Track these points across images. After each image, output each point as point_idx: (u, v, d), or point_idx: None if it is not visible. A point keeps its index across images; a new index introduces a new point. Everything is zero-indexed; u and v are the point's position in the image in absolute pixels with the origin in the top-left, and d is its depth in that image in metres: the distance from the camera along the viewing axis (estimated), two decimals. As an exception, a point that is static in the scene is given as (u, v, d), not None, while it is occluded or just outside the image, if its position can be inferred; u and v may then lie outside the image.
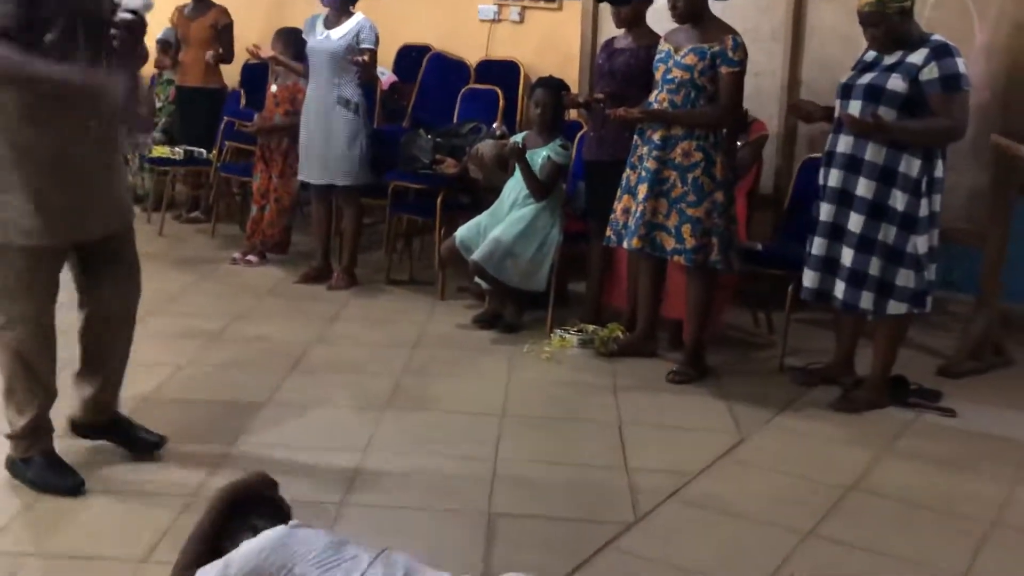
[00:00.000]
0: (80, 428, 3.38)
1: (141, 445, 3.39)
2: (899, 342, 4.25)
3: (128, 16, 3.02)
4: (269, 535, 2.30)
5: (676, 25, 4.39)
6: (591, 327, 4.93)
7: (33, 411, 3.12)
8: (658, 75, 4.39)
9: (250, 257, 6.16)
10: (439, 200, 5.60)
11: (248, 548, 2.27)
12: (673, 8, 4.31)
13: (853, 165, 3.97)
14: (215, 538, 2.36)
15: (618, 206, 4.51)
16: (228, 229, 6.93)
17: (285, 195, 6.12)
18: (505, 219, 5.02)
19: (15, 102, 2.89)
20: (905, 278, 4.00)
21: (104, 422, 3.38)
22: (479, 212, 5.28)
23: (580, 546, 2.93)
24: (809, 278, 4.15)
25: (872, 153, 3.93)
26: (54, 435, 3.23)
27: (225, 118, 6.85)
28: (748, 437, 3.84)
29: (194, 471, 3.30)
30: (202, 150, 6.83)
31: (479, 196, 5.68)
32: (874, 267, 3.98)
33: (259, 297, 5.50)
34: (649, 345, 4.73)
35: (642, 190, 4.35)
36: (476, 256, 4.92)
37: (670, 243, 4.33)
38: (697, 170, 4.28)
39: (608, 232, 4.58)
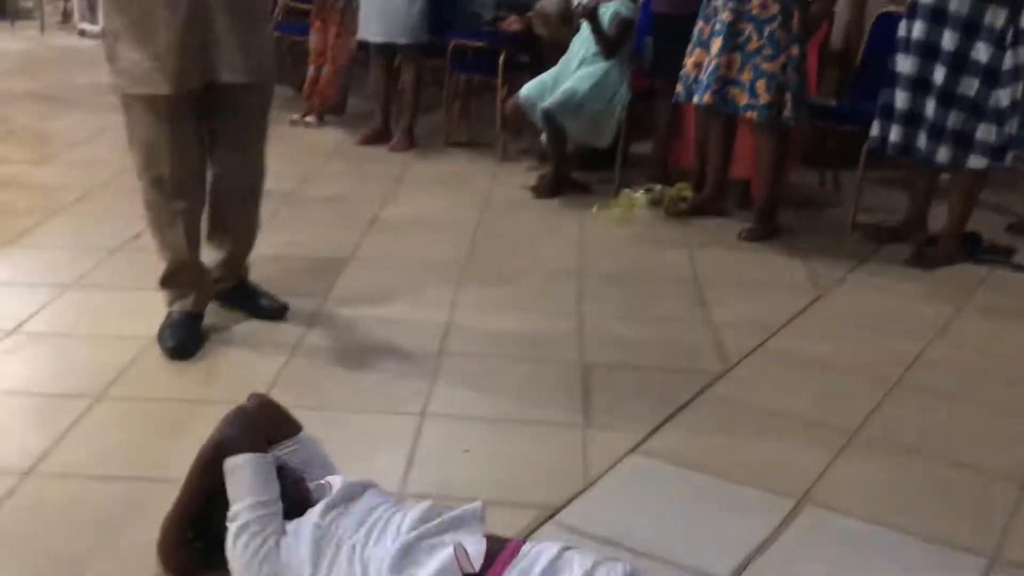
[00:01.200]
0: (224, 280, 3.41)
1: (264, 312, 3.41)
2: (975, 198, 4.27)
3: None
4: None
5: None
6: (658, 187, 4.96)
7: (164, 264, 3.19)
8: None
9: (308, 119, 6.19)
10: (501, 59, 5.57)
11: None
12: None
13: (937, 17, 3.93)
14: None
15: (689, 60, 4.47)
16: (280, 90, 6.91)
17: (342, 55, 6.11)
18: (573, 76, 5.00)
19: None
20: (985, 132, 3.99)
21: (229, 288, 3.41)
22: (541, 71, 5.25)
23: (674, 394, 3.03)
24: (893, 132, 4.14)
25: (957, 4, 3.89)
26: (198, 300, 3.24)
27: (279, -26, 6.77)
28: (826, 293, 3.90)
29: (293, 325, 3.40)
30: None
31: (541, 54, 5.63)
32: (955, 120, 3.98)
33: (323, 158, 5.56)
34: (718, 204, 4.76)
35: (716, 44, 4.31)
36: (548, 104, 4.90)
37: (743, 99, 4.31)
38: (774, 23, 4.22)
39: (678, 88, 4.56)
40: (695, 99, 4.46)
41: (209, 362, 3.13)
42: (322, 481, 2.12)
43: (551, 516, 2.42)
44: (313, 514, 1.97)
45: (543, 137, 5.12)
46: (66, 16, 9.70)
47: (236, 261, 3.39)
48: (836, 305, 3.81)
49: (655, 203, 4.85)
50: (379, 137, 5.84)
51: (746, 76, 4.29)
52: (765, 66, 4.25)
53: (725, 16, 4.29)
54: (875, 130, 4.22)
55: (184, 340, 3.15)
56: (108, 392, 2.89)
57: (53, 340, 3.22)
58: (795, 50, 4.28)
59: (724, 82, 4.33)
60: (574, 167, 5.25)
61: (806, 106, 4.42)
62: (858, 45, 5.29)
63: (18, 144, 5.62)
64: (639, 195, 4.89)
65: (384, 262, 4.04)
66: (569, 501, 2.48)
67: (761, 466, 2.66)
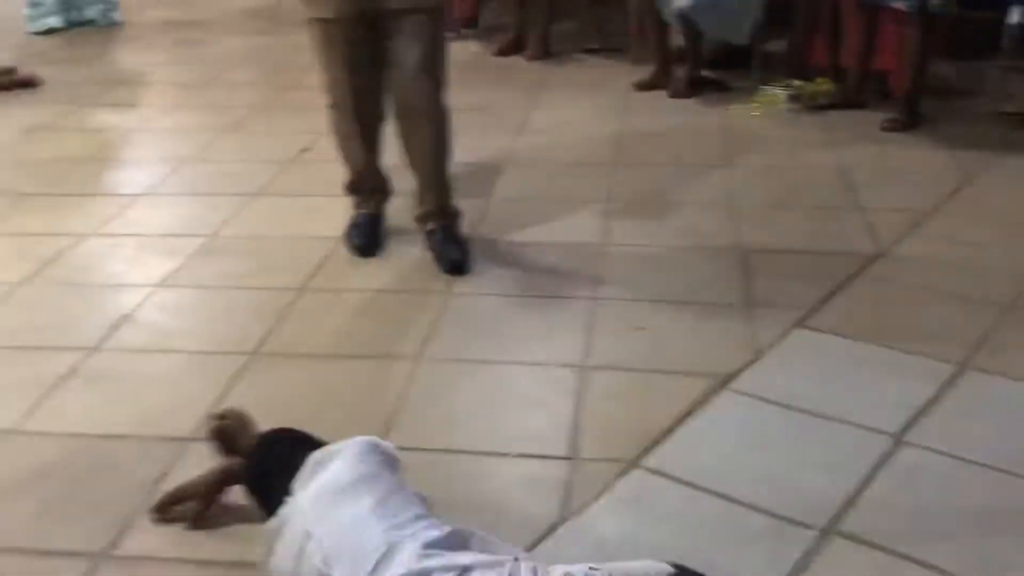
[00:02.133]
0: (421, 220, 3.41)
1: (444, 264, 3.28)
2: None
3: None
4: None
5: None
6: (797, 82, 5.02)
7: (348, 171, 3.42)
8: None
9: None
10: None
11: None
12: None
13: None
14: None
15: None
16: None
17: (475, -31, 6.27)
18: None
19: None
20: None
21: (430, 230, 3.36)
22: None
23: (832, 274, 3.17)
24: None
25: None
26: (380, 203, 3.47)
27: None
28: (973, 180, 3.95)
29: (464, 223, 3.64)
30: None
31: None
32: None
33: (464, 70, 5.66)
34: (859, 97, 4.81)
35: None
36: (682, 5, 4.99)
37: None
38: None
39: None
40: None
41: (392, 259, 3.40)
42: None
43: (725, 384, 2.62)
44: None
45: (676, 38, 5.20)
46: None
47: (429, 200, 3.36)
48: (984, 191, 3.86)
49: (794, 99, 4.92)
50: (515, 47, 5.99)
51: None
52: None
53: None
54: (1015, 16, 4.20)
55: (369, 239, 3.41)
56: (309, 284, 3.19)
57: (249, 242, 3.52)
58: None
59: None
60: (710, 65, 5.34)
61: None
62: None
63: (181, 67, 5.96)
64: (778, 91, 4.97)
65: (538, 165, 4.23)
66: (740, 370, 2.67)
67: (921, 335, 2.81)
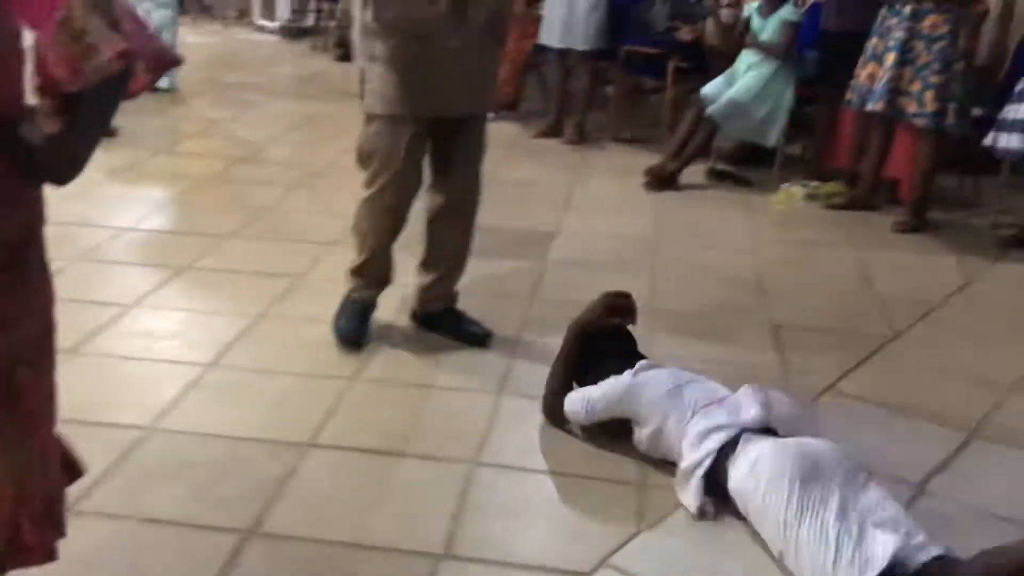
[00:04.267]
0: (417, 317, 3.55)
1: (470, 338, 3.47)
2: None
3: None
4: (619, 382, 2.79)
5: None
6: (814, 183, 5.49)
7: (364, 255, 3.38)
8: None
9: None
10: (671, 64, 6.16)
11: (603, 390, 2.78)
12: None
13: None
14: (575, 367, 2.93)
15: (862, 72, 4.98)
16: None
17: (519, 56, 6.76)
18: (741, 80, 5.56)
19: None
20: None
21: (438, 311, 3.53)
22: (706, 76, 5.84)
23: (854, 350, 3.58)
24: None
25: None
26: (379, 292, 3.48)
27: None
28: (976, 278, 4.40)
29: (523, 277, 4.04)
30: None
31: (705, 61, 6.20)
32: None
33: (506, 148, 6.18)
34: (872, 200, 5.27)
35: (890, 58, 4.82)
36: (711, 111, 5.49)
37: (911, 107, 4.81)
38: (943, 42, 4.73)
39: (850, 95, 5.05)
40: (868, 106, 4.94)
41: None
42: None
43: (766, 434, 3.00)
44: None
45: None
46: (242, 13, 10.55)
47: (447, 285, 3.52)
48: (985, 290, 4.30)
49: (811, 197, 5.39)
50: (553, 131, 6.47)
51: (916, 87, 4.79)
52: (933, 79, 4.74)
53: (899, 34, 4.79)
54: (1004, 142, 4.65)
55: (360, 330, 3.43)
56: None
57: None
58: (960, 66, 4.77)
59: (896, 92, 4.83)
60: (734, 162, 5.82)
61: (968, 116, 4.91)
62: (1002, 62, 5.72)
63: (243, 124, 6.38)
64: (797, 189, 5.44)
65: (586, 236, 4.66)
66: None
67: (934, 406, 3.20)
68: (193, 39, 9.16)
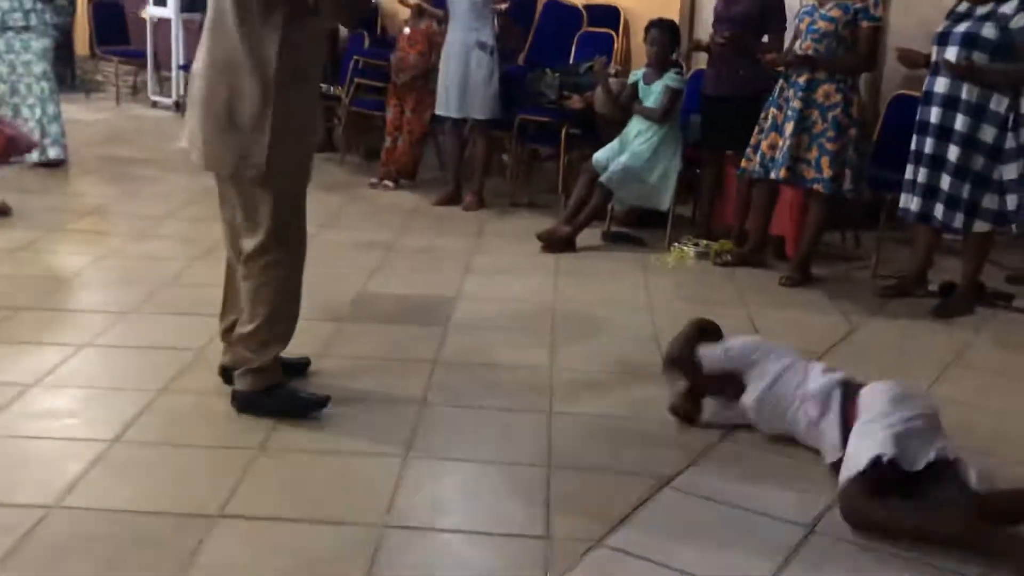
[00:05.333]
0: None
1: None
2: (985, 256, 4.96)
3: None
4: (754, 337, 3.74)
5: None
6: (704, 241, 5.72)
7: (289, 328, 3.42)
8: (803, 26, 5.09)
9: (386, 182, 6.97)
10: (564, 131, 6.37)
11: (743, 340, 3.57)
12: None
13: (950, 103, 4.66)
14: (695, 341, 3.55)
15: (764, 143, 5.21)
16: (350, 158, 7.74)
17: (418, 128, 6.91)
18: (630, 146, 5.79)
19: None
20: (990, 201, 4.68)
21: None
22: (597, 143, 6.06)
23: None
24: (913, 203, 4.83)
25: (966, 92, 4.61)
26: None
27: (354, 57, 7.56)
28: (857, 327, 4.64)
29: (426, 342, 4.13)
30: (328, 86, 7.55)
31: (596, 128, 6.43)
32: (965, 192, 4.67)
33: (405, 216, 6.32)
34: (759, 257, 5.51)
35: (788, 128, 5.08)
36: (603, 178, 5.69)
37: (810, 173, 5.06)
38: (837, 110, 5.01)
39: (747, 164, 5.29)
40: (772, 175, 5.17)
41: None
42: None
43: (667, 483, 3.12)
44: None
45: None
46: (136, 89, 10.53)
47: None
48: (868, 337, 4.53)
49: (702, 255, 5.61)
50: (451, 199, 6.60)
51: (813, 154, 5.05)
52: (829, 146, 5.01)
53: (796, 104, 5.06)
54: (902, 202, 4.91)
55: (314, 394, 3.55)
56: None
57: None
58: (854, 132, 5.06)
59: (795, 160, 5.08)
60: (627, 224, 6.03)
61: (864, 179, 5.20)
62: (875, 122, 6.07)
63: (139, 201, 6.37)
64: (688, 248, 5.66)
65: (486, 300, 4.77)
66: (679, 473, 3.19)
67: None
68: (84, 115, 9.12)
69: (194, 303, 4.44)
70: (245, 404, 3.41)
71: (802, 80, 5.06)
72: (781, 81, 5.19)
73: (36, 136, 6.72)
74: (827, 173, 5.02)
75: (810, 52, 5.02)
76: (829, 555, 2.78)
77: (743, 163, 5.33)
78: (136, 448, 3.18)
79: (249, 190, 3.27)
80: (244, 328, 3.39)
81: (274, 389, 3.43)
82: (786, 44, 5.34)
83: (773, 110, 5.22)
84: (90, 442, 3.17)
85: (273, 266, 3.32)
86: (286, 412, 3.41)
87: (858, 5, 4.97)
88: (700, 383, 3.52)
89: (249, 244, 3.31)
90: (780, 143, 5.14)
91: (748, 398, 3.41)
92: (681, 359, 3.53)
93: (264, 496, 2.93)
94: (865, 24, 4.98)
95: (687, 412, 3.54)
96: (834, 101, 5.03)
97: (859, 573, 2.71)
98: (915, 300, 5.02)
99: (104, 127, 8.77)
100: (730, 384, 3.47)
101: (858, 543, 2.83)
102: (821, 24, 5.02)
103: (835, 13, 4.99)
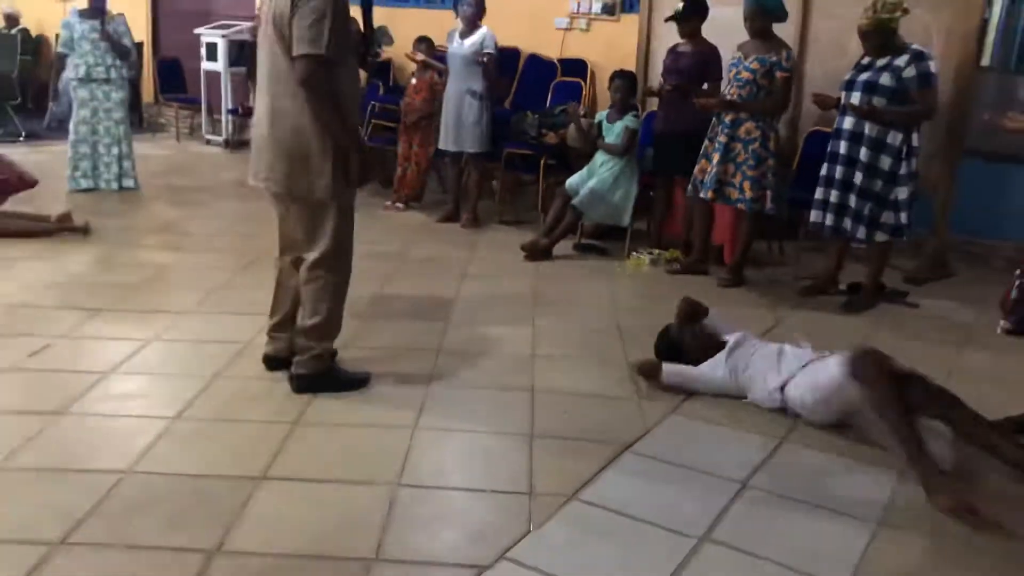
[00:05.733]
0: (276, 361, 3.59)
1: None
2: (885, 261, 5.00)
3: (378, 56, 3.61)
4: (740, 333, 3.73)
5: (747, 38, 5.10)
6: (656, 251, 5.74)
7: (335, 333, 3.48)
8: (730, 75, 5.12)
9: (397, 204, 6.95)
10: (542, 162, 6.39)
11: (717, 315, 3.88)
12: (748, 25, 5.04)
13: (855, 138, 4.70)
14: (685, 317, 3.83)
15: (697, 168, 5.25)
16: (369, 185, 7.69)
17: (423, 159, 6.90)
18: (597, 173, 5.80)
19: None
20: (887, 217, 4.73)
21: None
22: (569, 171, 6.07)
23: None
24: (827, 218, 4.87)
25: (868, 129, 4.66)
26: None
27: (371, 102, 7.57)
28: (782, 320, 4.66)
29: (431, 335, 4.13)
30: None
31: (568, 159, 6.45)
32: (868, 209, 4.73)
33: (414, 231, 6.31)
34: (702, 265, 5.51)
35: (716, 157, 5.11)
36: (575, 201, 5.71)
37: (735, 195, 5.09)
38: (756, 143, 5.04)
39: (689, 187, 5.32)
40: (701, 194, 5.21)
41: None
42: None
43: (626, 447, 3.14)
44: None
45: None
46: (192, 129, 10.49)
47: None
48: (789, 326, 4.54)
49: (655, 263, 5.63)
50: (451, 218, 6.59)
51: (737, 179, 5.08)
52: (750, 172, 5.05)
53: (722, 139, 5.10)
54: (815, 217, 4.94)
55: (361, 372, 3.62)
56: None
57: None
58: (771, 161, 5.09)
59: (721, 183, 5.12)
60: (595, 237, 6.05)
61: (782, 199, 5.24)
62: (794, 153, 6.10)
63: (198, 220, 6.35)
64: (644, 256, 5.68)
65: (480, 299, 4.77)
66: (636, 440, 3.20)
67: (753, 418, 3.40)
68: (151, 151, 9.07)
69: (241, 304, 4.46)
70: (307, 384, 3.43)
71: (728, 119, 5.08)
72: (713, 119, 5.22)
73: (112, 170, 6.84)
74: (749, 194, 5.05)
75: (735, 97, 5.05)
76: (760, 503, 2.81)
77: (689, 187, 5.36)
78: (194, 423, 3.18)
79: (316, 210, 3.30)
80: (307, 322, 3.41)
81: (330, 371, 3.48)
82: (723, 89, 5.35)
83: (707, 142, 5.25)
84: (156, 419, 3.18)
85: (334, 271, 3.38)
86: (340, 388, 3.44)
87: (773, 59, 5.00)
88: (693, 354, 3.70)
89: (314, 254, 3.34)
90: (709, 169, 5.17)
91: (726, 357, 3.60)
92: (665, 337, 3.84)
93: (300, 461, 2.94)
94: (779, 74, 5.01)
95: (649, 370, 3.67)
96: (754, 136, 5.05)
97: (784, 519, 2.74)
98: (828, 298, 5.05)
99: (166, 161, 8.73)
100: (709, 353, 3.64)
101: (784, 496, 2.86)
102: (744, 74, 5.05)
103: (755, 65, 5.02)
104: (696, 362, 3.64)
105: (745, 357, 3.58)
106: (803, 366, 3.43)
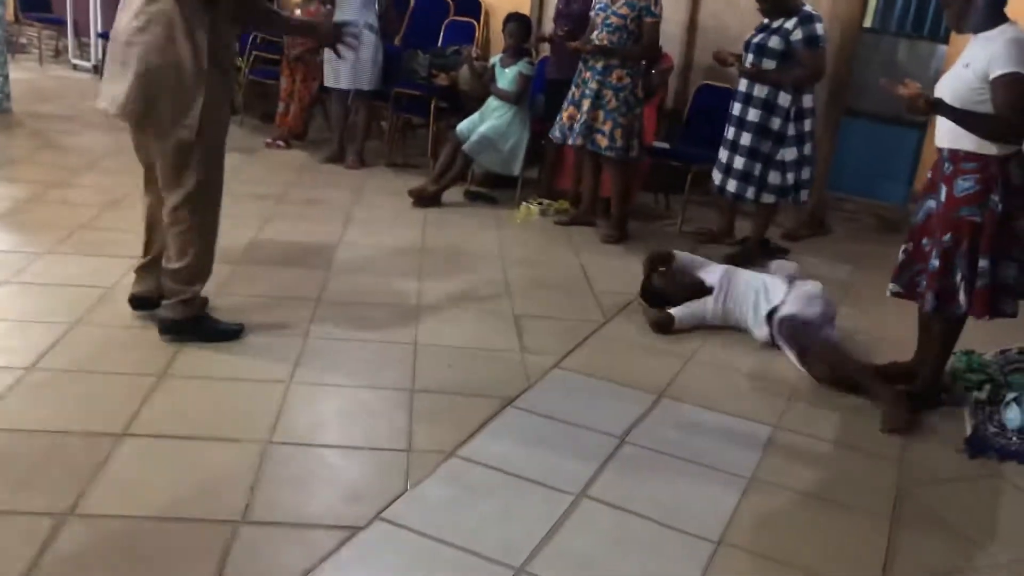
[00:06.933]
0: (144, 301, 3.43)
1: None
2: (770, 219, 5.11)
3: None
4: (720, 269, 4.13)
5: None
6: (546, 201, 5.71)
7: (207, 268, 3.31)
8: (599, 20, 5.02)
9: (279, 142, 6.68)
10: (433, 104, 6.23)
11: (687, 256, 4.21)
12: None
13: (747, 99, 4.75)
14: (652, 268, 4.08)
15: (564, 114, 5.19)
16: (249, 121, 7.38)
17: (306, 96, 6.65)
18: (489, 119, 5.70)
19: None
20: (775, 178, 4.81)
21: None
22: (460, 114, 5.94)
23: (575, 334, 3.77)
24: (717, 178, 4.95)
25: (758, 90, 4.71)
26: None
27: (252, 34, 7.18)
28: (666, 274, 4.72)
29: (311, 283, 4.00)
30: (231, 57, 7.16)
31: (460, 102, 6.30)
32: (756, 170, 4.80)
33: (295, 172, 6.08)
34: (590, 216, 5.50)
35: (585, 103, 5.05)
36: (466, 147, 5.60)
37: (604, 142, 5.06)
38: (626, 91, 5.01)
39: (553, 132, 5.27)
40: (569, 142, 5.18)
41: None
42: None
43: (509, 403, 3.12)
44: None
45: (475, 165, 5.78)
46: (58, 52, 9.79)
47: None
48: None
49: (544, 213, 5.60)
50: (336, 158, 6.38)
51: (607, 126, 5.05)
52: (620, 120, 5.03)
53: (593, 85, 5.03)
54: (716, 179, 4.98)
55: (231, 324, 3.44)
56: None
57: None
58: (639, 109, 5.08)
59: (591, 130, 5.08)
60: (485, 185, 5.96)
61: (644, 148, 5.27)
62: (684, 106, 6.14)
63: (63, 152, 5.94)
64: (533, 206, 5.63)
65: (364, 246, 4.64)
66: (519, 394, 3.19)
67: (634, 375, 3.43)
68: (11, 75, 8.40)
69: (105, 245, 4.20)
70: (173, 330, 3.28)
71: (599, 65, 5.02)
72: (580, 64, 5.14)
73: None
74: (619, 142, 5.04)
75: (605, 43, 4.98)
76: (636, 460, 2.84)
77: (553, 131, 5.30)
78: (50, 374, 2.98)
79: (178, 147, 3.09)
80: (173, 264, 3.24)
81: (199, 319, 3.31)
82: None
83: (573, 88, 5.17)
84: (6, 370, 2.96)
85: (200, 212, 3.21)
86: (209, 338, 3.29)
87: (642, 4, 4.93)
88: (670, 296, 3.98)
89: (177, 196, 3.16)
90: (578, 116, 5.12)
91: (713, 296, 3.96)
92: (648, 289, 4.05)
93: (165, 416, 2.79)
94: (648, 20, 4.96)
95: (665, 322, 3.88)
96: (625, 83, 5.02)
97: (660, 472, 2.78)
98: (719, 248, 5.12)
99: (29, 86, 8.10)
100: (696, 292, 3.96)
101: (660, 451, 2.89)
102: (613, 19, 4.97)
103: (624, 11, 4.94)
104: (687, 300, 3.97)
105: (733, 294, 3.97)
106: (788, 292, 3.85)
